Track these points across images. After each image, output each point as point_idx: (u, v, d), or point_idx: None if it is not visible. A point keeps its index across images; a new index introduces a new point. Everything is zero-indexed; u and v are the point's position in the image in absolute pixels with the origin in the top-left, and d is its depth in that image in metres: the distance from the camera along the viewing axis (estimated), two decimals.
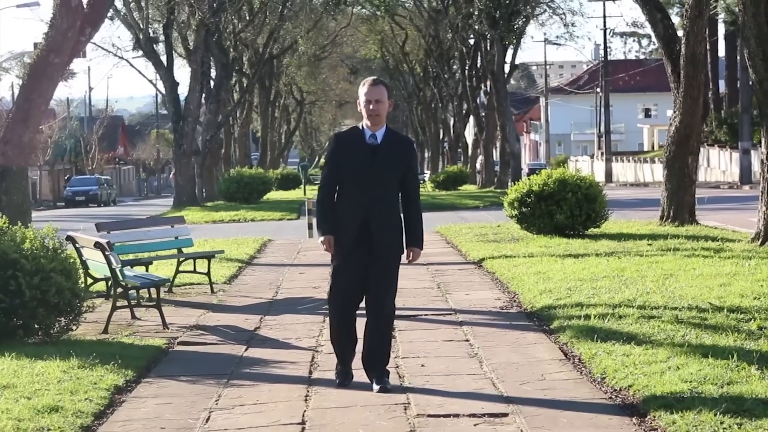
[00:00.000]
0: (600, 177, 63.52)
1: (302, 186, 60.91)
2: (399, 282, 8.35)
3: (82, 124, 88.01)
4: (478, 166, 65.85)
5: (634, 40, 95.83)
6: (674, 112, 21.57)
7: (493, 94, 53.23)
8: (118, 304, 11.78)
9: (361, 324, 8.35)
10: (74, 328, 11.02)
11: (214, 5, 42.93)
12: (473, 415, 7.43)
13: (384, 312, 8.22)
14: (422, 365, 9.06)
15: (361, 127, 8.21)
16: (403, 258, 8.27)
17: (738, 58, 52.61)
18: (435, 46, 65.14)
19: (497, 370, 8.82)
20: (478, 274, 15.54)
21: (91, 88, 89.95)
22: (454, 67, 67.71)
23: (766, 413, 6.91)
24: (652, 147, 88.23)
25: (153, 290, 12.48)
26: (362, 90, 8.21)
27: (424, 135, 78.72)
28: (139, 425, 7.60)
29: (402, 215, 8.26)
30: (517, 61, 60.92)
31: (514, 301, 12.60)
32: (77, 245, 12.84)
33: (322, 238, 8.22)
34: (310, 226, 23.44)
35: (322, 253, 8.84)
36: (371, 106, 8.11)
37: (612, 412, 7.43)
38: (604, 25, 72.77)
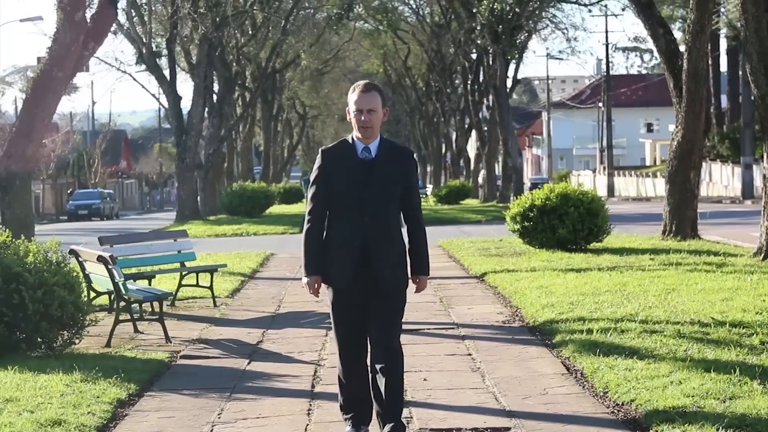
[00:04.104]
0: (602, 191, 63.56)
1: (305, 200, 60.93)
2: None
3: (85, 138, 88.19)
4: (480, 180, 65.90)
5: (636, 55, 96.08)
6: (676, 126, 21.60)
7: (495, 109, 53.27)
8: (121, 317, 11.79)
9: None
10: (77, 341, 11.03)
11: (217, 20, 43.00)
12: (476, 429, 7.44)
13: (393, 352, 7.06)
14: (425, 379, 9.07)
15: (350, 140, 6.99)
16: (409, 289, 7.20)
17: (740, 73, 52.69)
18: (437, 60, 65.28)
19: (499, 384, 8.82)
20: (480, 288, 15.55)
21: (94, 102, 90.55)
22: (457, 81, 67.83)
23: None
24: (654, 162, 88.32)
25: (156, 304, 12.50)
26: (352, 97, 6.93)
27: (426, 149, 78.83)
28: None
29: (405, 239, 7.13)
30: (519, 76, 61.10)
31: (517, 315, 12.60)
32: (80, 259, 12.85)
33: (306, 280, 7.02)
34: None
35: None
36: (363, 117, 6.88)
37: (614, 427, 7.43)
38: (606, 40, 73.00)
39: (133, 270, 15.07)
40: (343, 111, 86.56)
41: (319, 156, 7.04)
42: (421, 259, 7.13)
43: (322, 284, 7.07)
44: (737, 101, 57.03)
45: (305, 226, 7.04)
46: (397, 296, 7.06)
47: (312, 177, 7.08)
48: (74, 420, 7.79)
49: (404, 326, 8.10)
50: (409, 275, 7.15)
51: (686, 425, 7.03)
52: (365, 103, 6.89)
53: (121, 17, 41.63)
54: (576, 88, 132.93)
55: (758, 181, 47.28)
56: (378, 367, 7.02)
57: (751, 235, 20.59)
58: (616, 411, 7.83)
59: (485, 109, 61.75)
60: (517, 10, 47.38)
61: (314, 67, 66.18)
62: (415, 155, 7.31)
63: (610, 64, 76.25)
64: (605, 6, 74.93)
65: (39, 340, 10.68)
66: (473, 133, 65.43)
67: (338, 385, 7.23)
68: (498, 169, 66.11)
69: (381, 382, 7.00)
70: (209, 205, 47.08)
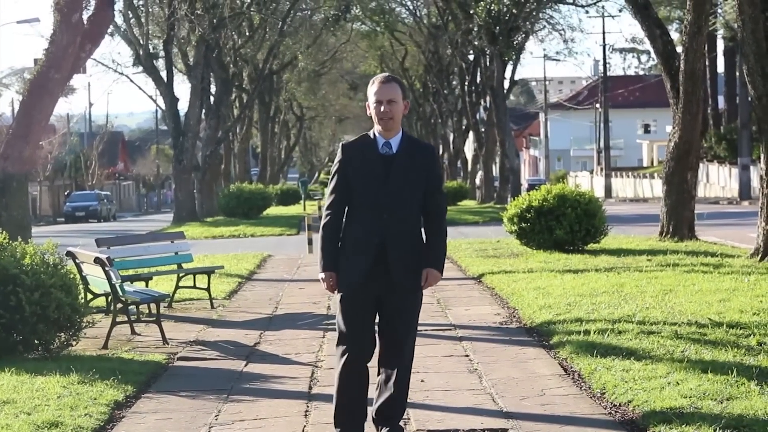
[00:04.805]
0: (599, 192, 63.60)
1: (302, 201, 61.02)
2: None
3: (82, 139, 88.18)
4: (477, 181, 65.92)
5: (633, 56, 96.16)
6: (673, 127, 21.61)
7: (492, 110, 53.30)
8: (118, 319, 11.79)
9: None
10: (74, 343, 11.03)
11: (214, 21, 43.01)
12: (473, 430, 7.44)
13: (403, 358, 6.91)
14: (422, 380, 9.06)
15: (372, 135, 6.85)
16: None
17: (737, 74, 52.75)
18: (434, 61, 65.28)
19: (497, 385, 8.82)
20: (477, 289, 15.55)
21: (91, 104, 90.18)
22: (454, 82, 67.83)
23: (766, 429, 6.91)
24: (652, 162, 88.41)
25: (153, 306, 12.49)
26: (372, 89, 6.80)
27: None
28: None
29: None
30: (516, 77, 61.16)
31: (514, 316, 12.60)
32: (77, 261, 12.85)
33: (322, 275, 6.85)
34: (309, 242, 23.46)
35: None
36: (383, 108, 6.74)
37: (612, 428, 7.43)
38: (604, 41, 72.98)
39: (130, 272, 15.06)
40: (341, 112, 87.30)
41: (339, 150, 6.91)
42: (435, 252, 6.87)
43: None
44: (734, 102, 57.09)
45: (323, 221, 6.87)
46: (413, 298, 6.88)
47: (332, 170, 6.90)
48: (71, 422, 7.79)
49: None
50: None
51: (683, 426, 7.03)
52: (385, 93, 6.75)
53: (118, 19, 41.69)
54: (573, 89, 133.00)
55: (755, 182, 47.34)
56: (385, 371, 6.90)
57: (749, 236, 20.59)
58: (613, 412, 7.83)
59: (482, 111, 61.77)
60: (514, 11, 47.40)
61: (311, 68, 66.23)
62: (436, 152, 7.05)
63: (608, 65, 76.30)
64: (602, 7, 74.98)
65: (36, 342, 10.67)
66: (470, 134, 65.43)
67: (335, 387, 6.95)
68: (495, 170, 66.14)
69: (386, 386, 6.91)
70: (206, 206, 47.08)
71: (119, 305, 11.83)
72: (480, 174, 63.25)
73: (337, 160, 6.89)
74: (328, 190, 6.92)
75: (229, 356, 10.76)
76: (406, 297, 6.83)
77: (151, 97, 53.47)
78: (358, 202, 6.78)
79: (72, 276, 11.23)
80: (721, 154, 57.65)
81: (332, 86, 78.19)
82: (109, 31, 36.49)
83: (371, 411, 7.02)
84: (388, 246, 6.71)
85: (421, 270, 6.83)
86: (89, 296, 13.04)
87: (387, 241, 6.71)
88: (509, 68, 55.19)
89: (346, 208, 6.84)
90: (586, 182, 76.92)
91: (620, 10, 75.62)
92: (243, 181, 52.16)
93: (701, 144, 23.03)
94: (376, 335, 6.92)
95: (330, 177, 6.93)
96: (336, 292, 6.87)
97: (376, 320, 6.94)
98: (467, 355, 10.24)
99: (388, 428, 6.97)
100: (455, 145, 70.66)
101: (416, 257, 6.81)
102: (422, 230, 6.93)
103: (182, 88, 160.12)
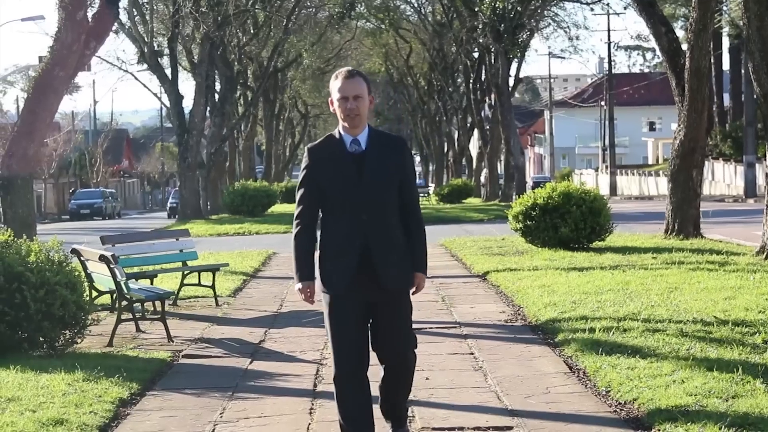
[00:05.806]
0: (604, 190, 63.55)
1: None
2: None
3: (86, 137, 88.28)
4: (482, 179, 65.91)
5: (638, 54, 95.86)
6: (679, 125, 21.57)
7: (497, 108, 53.26)
8: (123, 317, 11.80)
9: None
10: (79, 341, 11.04)
11: (219, 19, 43.02)
12: (478, 428, 7.43)
13: (406, 362, 6.68)
14: (427, 378, 9.06)
15: (337, 134, 6.49)
16: None
17: (742, 71, 52.65)
18: (439, 59, 65.28)
19: (502, 383, 8.81)
20: (482, 287, 15.54)
21: (95, 102, 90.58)
22: (459, 80, 67.83)
23: None
24: (657, 160, 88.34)
25: (158, 303, 12.50)
26: (335, 84, 6.48)
27: (428, 148, 78.91)
28: None
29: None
30: (521, 75, 61.11)
31: (519, 314, 12.59)
32: (82, 258, 12.86)
33: (299, 285, 6.60)
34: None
35: None
36: (349, 105, 6.40)
37: (617, 426, 7.42)
38: (609, 39, 72.86)
39: (135, 269, 15.07)
40: None
41: (305, 154, 6.50)
42: (419, 256, 6.53)
43: (319, 292, 6.56)
44: (740, 100, 57.04)
45: (294, 230, 6.53)
46: (405, 298, 6.53)
47: (300, 177, 6.52)
48: (76, 419, 7.79)
49: None
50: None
51: (689, 424, 7.02)
52: (351, 89, 6.41)
53: (123, 16, 41.71)
54: (578, 86, 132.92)
55: (761, 180, 47.33)
56: (388, 377, 6.67)
57: (754, 233, 20.56)
58: (618, 410, 7.82)
59: (487, 108, 61.73)
60: (519, 8, 47.36)
61: (316, 66, 66.25)
62: (407, 142, 6.78)
63: (613, 63, 76.22)
64: (607, 4, 74.97)
65: (41, 339, 10.69)
66: (475, 131, 65.42)
67: (335, 399, 6.59)
68: (500, 167, 66.10)
69: (390, 384, 6.71)
70: (211, 204, 47.12)
71: (124, 303, 11.83)
72: (485, 171, 63.25)
73: (304, 165, 6.49)
74: (297, 197, 6.55)
75: (233, 354, 10.76)
76: (398, 300, 6.50)
77: (155, 94, 53.65)
78: (334, 206, 6.41)
79: (77, 273, 11.25)
80: (726, 151, 57.60)
81: None
82: (114, 28, 36.49)
83: (378, 405, 6.83)
84: (372, 249, 6.34)
85: (409, 269, 6.50)
86: (94, 294, 13.04)
87: (370, 243, 6.33)
88: (514, 66, 55.18)
89: (322, 214, 6.50)
90: (591, 180, 76.89)
91: (625, 8, 75.41)
92: (248, 178, 52.17)
93: (706, 142, 22.94)
94: (370, 345, 6.58)
95: (298, 183, 6.55)
96: (314, 303, 6.58)
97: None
98: (472, 353, 10.23)
99: (393, 424, 6.89)
100: (460, 143, 70.63)
101: (402, 256, 6.45)
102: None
103: (187, 85, 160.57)
